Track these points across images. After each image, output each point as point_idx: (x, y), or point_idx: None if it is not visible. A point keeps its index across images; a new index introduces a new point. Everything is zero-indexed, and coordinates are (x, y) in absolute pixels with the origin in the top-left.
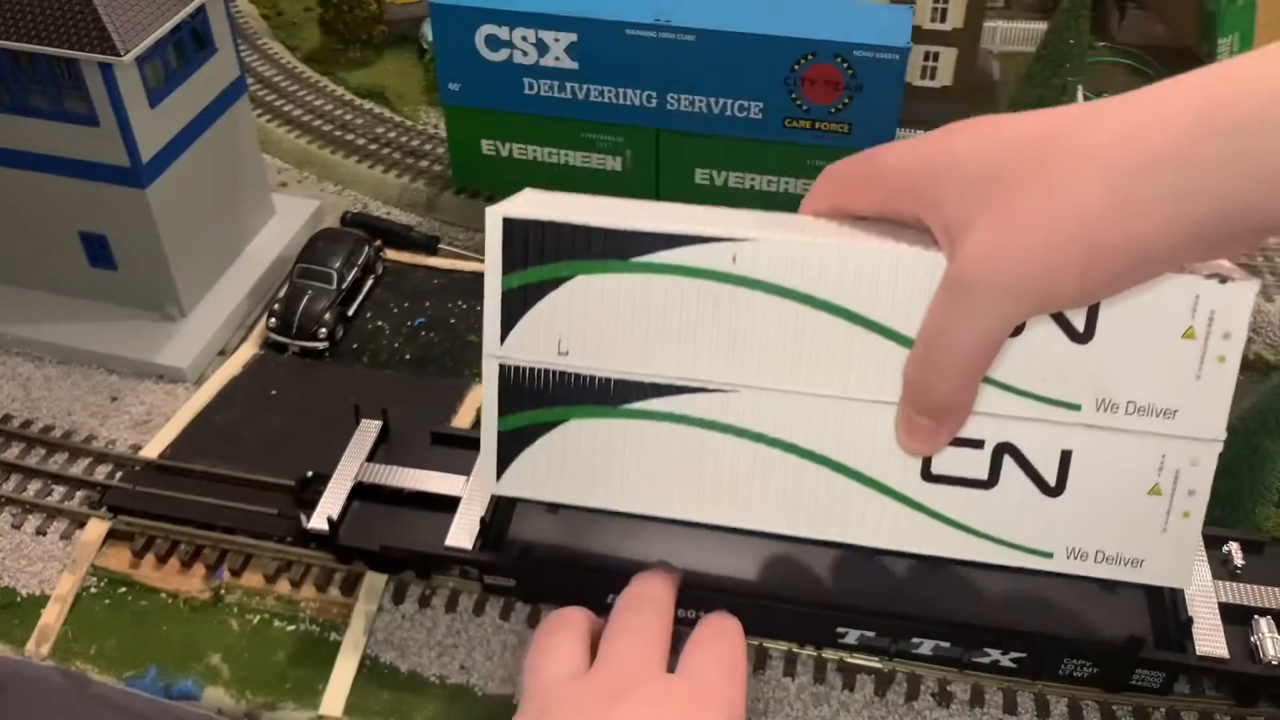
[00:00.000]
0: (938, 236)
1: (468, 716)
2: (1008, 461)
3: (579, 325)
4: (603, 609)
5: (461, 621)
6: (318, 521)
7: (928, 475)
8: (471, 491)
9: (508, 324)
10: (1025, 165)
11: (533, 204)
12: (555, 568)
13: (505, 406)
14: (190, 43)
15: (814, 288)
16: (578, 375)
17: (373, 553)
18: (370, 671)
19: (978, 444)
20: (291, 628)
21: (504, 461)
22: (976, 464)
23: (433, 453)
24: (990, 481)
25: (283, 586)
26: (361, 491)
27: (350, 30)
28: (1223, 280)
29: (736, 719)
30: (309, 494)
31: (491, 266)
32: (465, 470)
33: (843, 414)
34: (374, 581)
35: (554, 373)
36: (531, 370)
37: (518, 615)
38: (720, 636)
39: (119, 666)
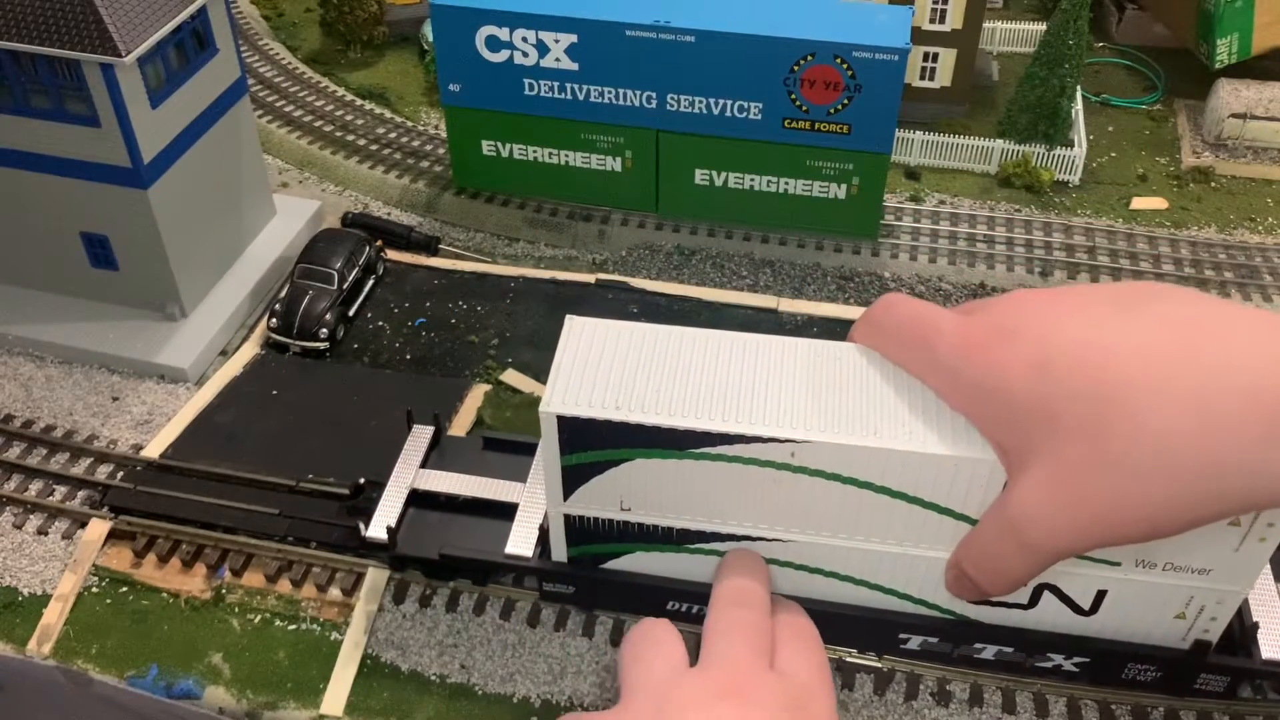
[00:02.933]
0: (993, 446)
1: (468, 716)
2: (1047, 594)
3: (639, 490)
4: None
5: (462, 621)
6: (376, 530)
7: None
8: (528, 500)
9: (569, 488)
10: (1082, 425)
11: (581, 374)
12: (615, 575)
13: (572, 541)
14: (191, 43)
15: (873, 478)
16: (641, 524)
17: (431, 561)
18: (371, 671)
19: None
20: (292, 627)
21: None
22: (1019, 594)
23: (484, 458)
24: (1030, 605)
25: (284, 586)
26: (414, 498)
27: (351, 31)
28: None
29: (833, 717)
30: (363, 501)
31: (549, 450)
32: (518, 476)
33: (896, 561)
34: (375, 581)
35: (618, 522)
36: (596, 519)
37: (518, 615)
38: (807, 637)
39: (120, 666)
